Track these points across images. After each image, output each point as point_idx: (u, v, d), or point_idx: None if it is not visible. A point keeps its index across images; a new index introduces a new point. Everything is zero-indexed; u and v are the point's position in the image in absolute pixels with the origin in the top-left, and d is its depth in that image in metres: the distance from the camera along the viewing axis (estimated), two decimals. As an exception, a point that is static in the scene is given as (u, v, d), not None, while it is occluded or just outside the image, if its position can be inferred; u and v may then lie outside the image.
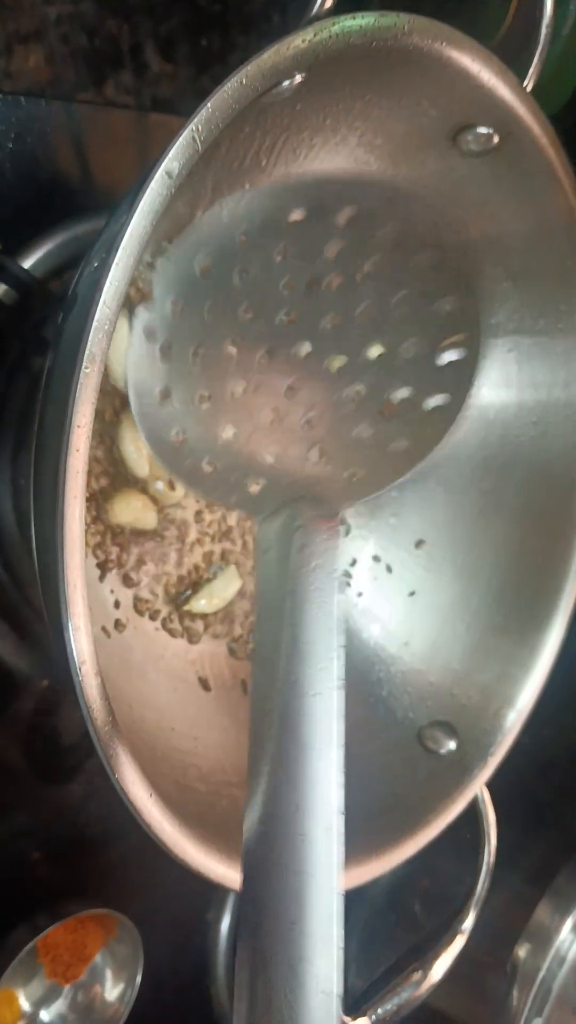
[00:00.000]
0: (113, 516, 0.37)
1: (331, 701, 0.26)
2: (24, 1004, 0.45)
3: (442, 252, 0.31)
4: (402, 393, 0.30)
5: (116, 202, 0.29)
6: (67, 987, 0.46)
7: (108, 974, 0.46)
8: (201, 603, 0.41)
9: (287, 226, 0.31)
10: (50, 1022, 0.45)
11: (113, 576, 0.39)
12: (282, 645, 0.26)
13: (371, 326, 0.30)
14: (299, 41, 0.28)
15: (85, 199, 0.43)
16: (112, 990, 0.46)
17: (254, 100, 0.28)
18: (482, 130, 0.38)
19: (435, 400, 0.30)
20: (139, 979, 0.46)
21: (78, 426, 0.24)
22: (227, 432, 0.29)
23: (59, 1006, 0.46)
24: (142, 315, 0.29)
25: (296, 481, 0.29)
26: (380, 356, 0.30)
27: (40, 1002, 0.45)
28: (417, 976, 0.41)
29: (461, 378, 0.29)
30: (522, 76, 0.38)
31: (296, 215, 0.31)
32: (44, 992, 0.46)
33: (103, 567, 0.38)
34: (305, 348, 0.31)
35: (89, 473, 0.37)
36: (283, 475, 0.29)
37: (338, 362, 0.31)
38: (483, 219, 0.43)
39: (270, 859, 0.25)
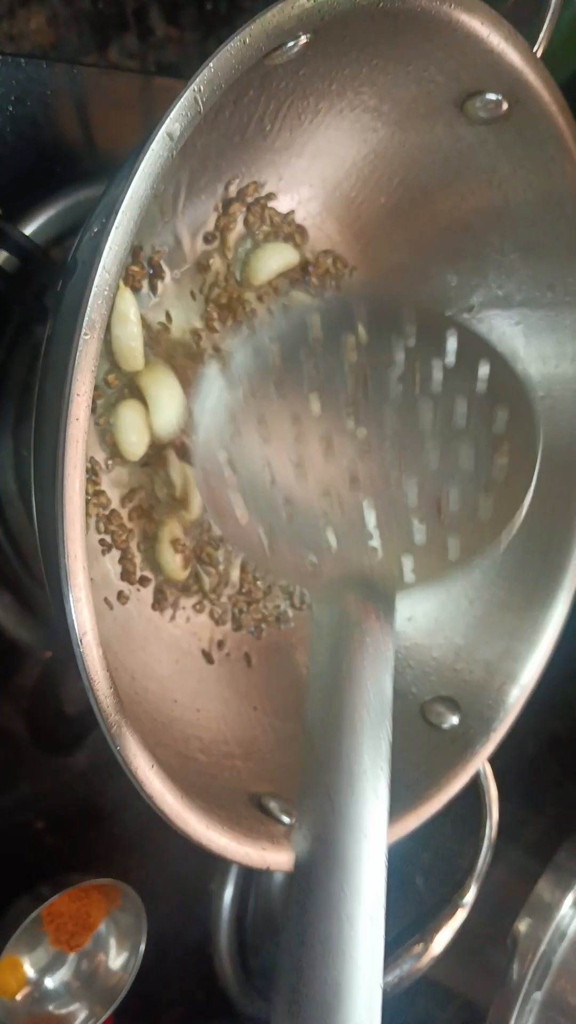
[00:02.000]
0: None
1: (380, 780, 0.27)
2: (29, 971, 0.45)
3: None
4: (455, 498, 0.30)
5: (117, 166, 0.28)
6: (72, 955, 0.46)
7: (112, 942, 0.47)
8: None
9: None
10: (54, 989, 0.46)
11: (115, 550, 0.39)
12: (333, 726, 0.28)
13: (431, 432, 0.30)
14: (304, 0, 0.27)
15: (87, 164, 0.42)
16: (116, 958, 0.47)
17: (258, 61, 0.27)
18: (491, 96, 0.37)
19: (487, 511, 0.29)
20: (143, 948, 0.46)
21: (77, 394, 0.24)
22: (288, 511, 0.29)
23: (63, 973, 0.46)
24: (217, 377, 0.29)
25: (354, 568, 0.29)
26: (439, 460, 0.30)
27: (45, 969, 0.46)
28: (418, 948, 0.41)
29: (515, 492, 0.29)
30: (532, 41, 0.37)
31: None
32: (49, 960, 0.46)
33: (105, 542, 0.38)
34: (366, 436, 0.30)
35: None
36: (342, 560, 0.29)
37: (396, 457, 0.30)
38: (491, 188, 0.42)
39: (313, 939, 0.24)
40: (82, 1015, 0.46)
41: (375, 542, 0.29)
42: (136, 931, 0.46)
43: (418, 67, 0.36)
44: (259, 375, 0.29)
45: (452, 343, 0.30)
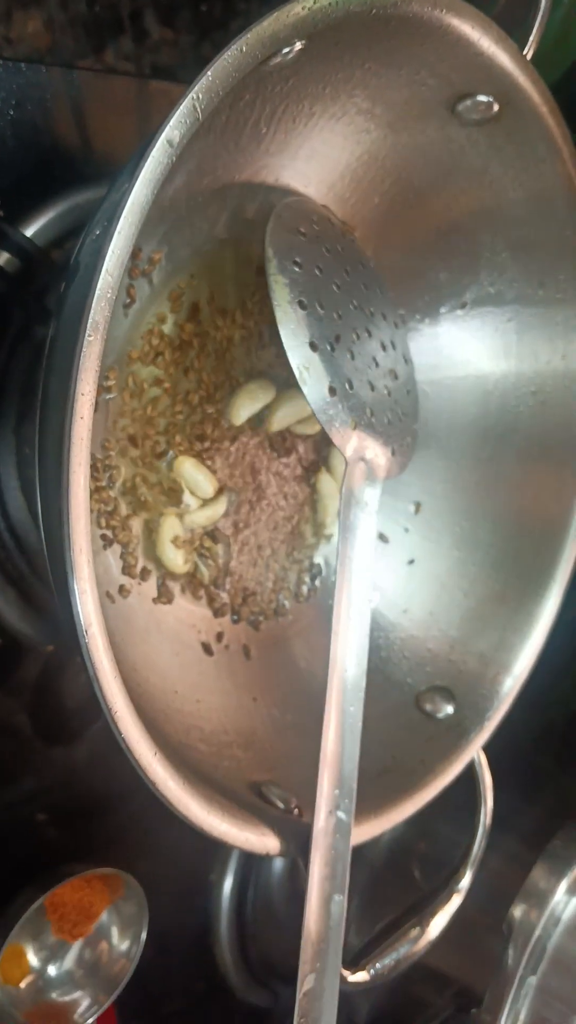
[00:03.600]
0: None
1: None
2: (33, 960, 0.46)
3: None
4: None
5: (117, 171, 0.29)
6: (75, 944, 0.47)
7: (114, 931, 0.48)
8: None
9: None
10: (57, 977, 0.47)
11: (116, 545, 0.39)
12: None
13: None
14: (299, 8, 0.28)
15: (85, 167, 0.43)
16: (118, 946, 0.48)
17: (254, 68, 0.28)
18: (481, 98, 0.38)
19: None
20: (144, 936, 0.47)
21: (82, 394, 0.25)
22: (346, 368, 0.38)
23: (67, 962, 0.47)
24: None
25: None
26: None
27: (48, 958, 0.47)
28: (415, 933, 0.42)
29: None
30: (522, 44, 0.38)
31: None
32: (51, 949, 0.47)
33: (106, 536, 0.39)
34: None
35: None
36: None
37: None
38: (482, 189, 0.43)
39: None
40: (85, 1002, 0.47)
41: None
42: (138, 919, 0.47)
43: (410, 70, 0.37)
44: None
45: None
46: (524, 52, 0.38)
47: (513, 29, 0.38)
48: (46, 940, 0.47)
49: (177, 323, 0.40)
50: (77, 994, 0.47)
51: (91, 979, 0.47)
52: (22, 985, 0.46)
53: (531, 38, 0.38)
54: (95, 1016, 0.47)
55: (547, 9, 0.38)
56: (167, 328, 0.39)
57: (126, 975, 0.47)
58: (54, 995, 0.47)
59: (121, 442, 0.39)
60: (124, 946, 0.48)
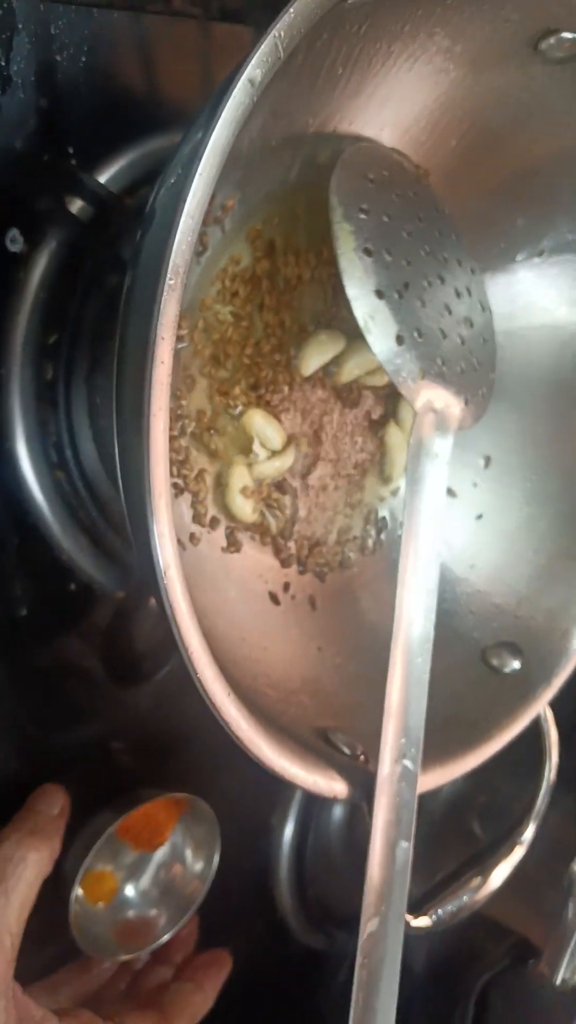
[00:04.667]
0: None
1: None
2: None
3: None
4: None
5: (191, 117, 0.29)
6: (151, 863, 0.49)
7: (187, 853, 0.50)
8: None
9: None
10: (135, 897, 0.49)
11: (187, 494, 0.40)
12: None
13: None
14: None
15: (155, 114, 0.43)
16: (191, 868, 0.50)
17: (335, 5, 0.27)
18: (567, 35, 0.37)
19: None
20: (217, 857, 0.49)
21: (162, 338, 0.25)
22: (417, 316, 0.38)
23: (142, 882, 0.49)
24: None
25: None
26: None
27: (126, 879, 0.49)
28: (476, 882, 0.43)
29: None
30: (612, -25, 0.36)
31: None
32: (129, 869, 0.49)
33: (177, 485, 0.39)
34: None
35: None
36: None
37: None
38: (563, 131, 0.41)
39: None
40: (163, 920, 0.49)
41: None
42: (210, 842, 0.49)
43: (493, 5, 0.35)
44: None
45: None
46: (614, -16, 0.36)
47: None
48: (123, 860, 0.49)
49: (252, 261, 0.40)
50: (153, 912, 0.49)
51: (167, 899, 0.49)
52: (103, 905, 0.48)
53: (621, -31, 0.36)
54: (171, 933, 0.49)
55: None
56: (241, 267, 0.39)
57: (199, 897, 0.49)
58: (132, 913, 0.49)
59: (194, 390, 0.39)
60: (198, 867, 0.50)
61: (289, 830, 0.58)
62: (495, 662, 0.44)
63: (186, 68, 0.46)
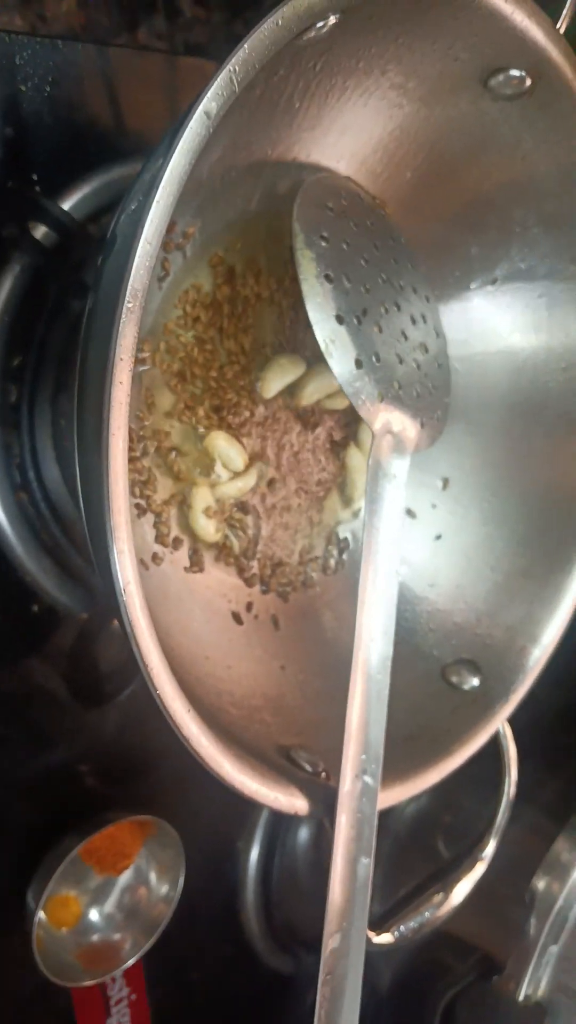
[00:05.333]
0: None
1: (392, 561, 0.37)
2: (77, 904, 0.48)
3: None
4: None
5: (152, 146, 0.30)
6: (116, 888, 0.49)
7: (152, 876, 0.50)
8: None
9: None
10: (99, 921, 0.49)
11: (150, 514, 0.40)
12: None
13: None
14: (334, -18, 0.28)
15: (119, 143, 0.44)
16: (156, 891, 0.50)
17: (290, 41, 0.28)
18: (514, 73, 0.38)
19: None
20: (182, 880, 0.49)
21: (120, 359, 0.25)
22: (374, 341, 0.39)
23: (106, 906, 0.49)
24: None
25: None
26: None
27: (90, 903, 0.49)
28: (439, 898, 0.43)
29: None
30: (556, 17, 0.38)
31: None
32: (94, 893, 0.49)
33: (140, 506, 0.40)
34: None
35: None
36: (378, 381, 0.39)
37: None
38: (515, 163, 0.43)
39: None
40: (127, 944, 0.48)
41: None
42: (175, 865, 0.49)
43: (444, 44, 0.37)
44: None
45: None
46: (558, 26, 0.38)
47: (547, 2, 0.38)
48: (88, 884, 0.49)
49: (213, 288, 0.40)
50: (118, 936, 0.49)
51: (131, 922, 0.49)
52: (67, 929, 0.48)
53: (565, 11, 0.38)
54: (136, 957, 0.49)
55: (582, -18, 0.38)
56: (203, 293, 0.40)
57: (164, 919, 0.49)
58: (96, 938, 0.49)
59: (155, 412, 0.40)
60: (163, 890, 0.50)
61: (255, 852, 0.58)
62: (455, 679, 0.45)
63: (150, 99, 0.47)
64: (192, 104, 0.26)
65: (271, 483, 0.45)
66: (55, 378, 0.41)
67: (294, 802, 0.34)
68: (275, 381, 0.43)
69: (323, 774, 0.37)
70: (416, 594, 0.49)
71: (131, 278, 0.25)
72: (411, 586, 0.49)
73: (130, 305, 0.25)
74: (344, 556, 0.49)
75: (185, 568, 0.41)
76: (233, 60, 0.26)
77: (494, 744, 0.45)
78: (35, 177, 0.40)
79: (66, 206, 0.41)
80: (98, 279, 0.29)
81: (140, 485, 0.39)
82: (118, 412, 0.25)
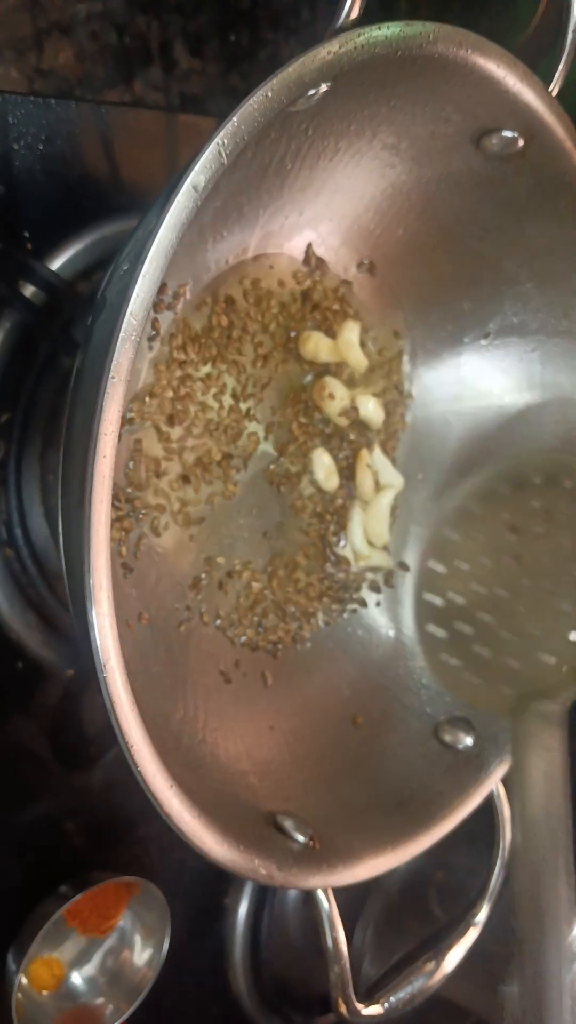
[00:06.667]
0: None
1: None
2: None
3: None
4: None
5: (146, 206, 0.30)
6: (98, 952, 0.48)
7: (136, 940, 0.48)
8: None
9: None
10: (81, 985, 0.47)
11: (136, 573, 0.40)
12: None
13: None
14: (324, 53, 0.28)
15: (114, 199, 0.44)
16: (140, 955, 0.48)
17: (280, 111, 0.28)
18: (507, 134, 0.38)
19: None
20: (167, 944, 0.47)
21: (105, 433, 0.25)
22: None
23: (89, 969, 0.48)
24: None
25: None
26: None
27: (72, 964, 0.47)
28: (430, 966, 0.42)
29: None
30: (548, 79, 0.38)
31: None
32: (76, 956, 0.48)
33: (126, 565, 0.39)
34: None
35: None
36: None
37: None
38: (507, 220, 0.43)
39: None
40: (109, 1009, 0.47)
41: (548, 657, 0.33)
42: (160, 928, 0.48)
43: (435, 107, 0.37)
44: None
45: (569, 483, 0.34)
46: (550, 88, 0.38)
47: (539, 64, 0.38)
48: (70, 946, 0.47)
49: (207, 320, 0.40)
50: (100, 1000, 0.48)
51: (114, 987, 0.48)
52: (48, 993, 0.47)
53: (557, 74, 0.38)
54: (119, 1023, 0.47)
55: (573, 44, 0.39)
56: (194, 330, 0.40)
57: (148, 984, 0.48)
58: (79, 1001, 0.47)
59: (142, 472, 0.39)
60: (147, 953, 0.48)
61: (243, 910, 0.56)
62: (448, 738, 0.44)
63: (147, 156, 0.47)
64: (180, 175, 0.26)
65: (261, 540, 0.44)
66: (43, 434, 0.40)
67: (279, 875, 0.33)
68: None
69: (311, 842, 0.36)
70: (409, 649, 0.48)
71: (116, 352, 0.25)
72: (403, 641, 0.48)
73: (115, 379, 0.25)
74: (334, 612, 0.48)
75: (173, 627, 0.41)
76: (222, 133, 0.26)
77: (488, 802, 0.44)
78: (27, 235, 0.40)
79: (59, 262, 0.41)
80: (86, 341, 0.29)
81: (126, 544, 0.39)
82: (101, 485, 0.25)
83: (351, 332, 0.45)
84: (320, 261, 0.43)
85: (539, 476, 0.36)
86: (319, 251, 0.43)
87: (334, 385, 0.44)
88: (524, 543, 0.35)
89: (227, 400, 0.41)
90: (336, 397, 0.44)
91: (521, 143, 0.39)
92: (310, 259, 0.43)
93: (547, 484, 0.36)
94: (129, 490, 0.38)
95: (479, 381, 0.48)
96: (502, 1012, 0.39)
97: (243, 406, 0.42)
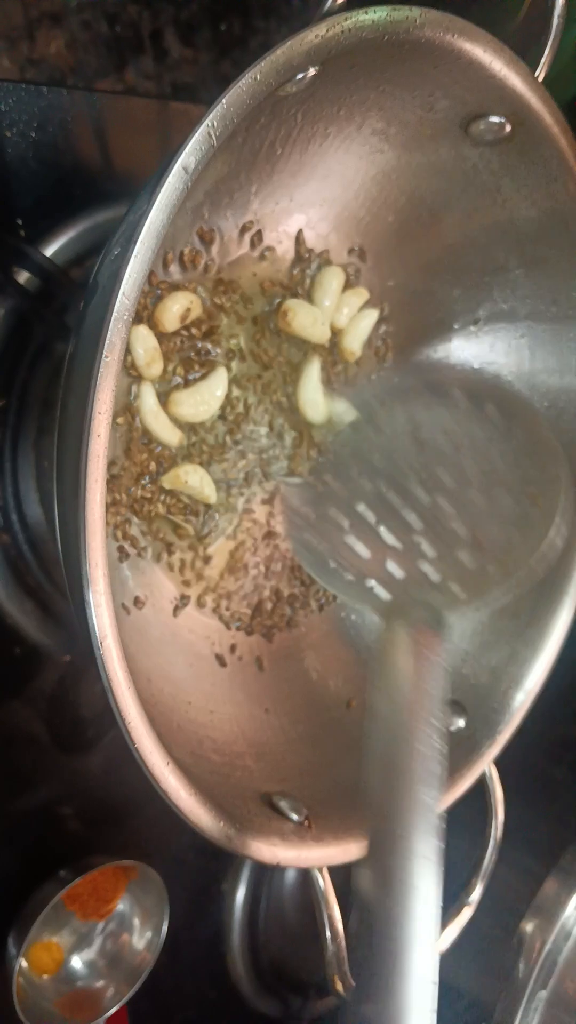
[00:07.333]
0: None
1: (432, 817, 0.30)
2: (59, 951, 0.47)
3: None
4: (493, 534, 0.34)
5: (137, 192, 0.30)
6: (98, 936, 0.48)
7: (135, 923, 0.49)
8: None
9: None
10: (81, 968, 0.48)
11: (132, 558, 0.40)
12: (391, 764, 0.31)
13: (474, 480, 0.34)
14: (312, 37, 0.29)
15: (106, 186, 0.44)
16: (139, 939, 0.49)
17: (269, 94, 0.29)
18: (494, 119, 0.39)
19: (518, 543, 0.34)
20: (165, 927, 0.48)
21: (99, 412, 0.25)
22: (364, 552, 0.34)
23: (88, 953, 0.48)
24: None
25: (412, 590, 0.34)
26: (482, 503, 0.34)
27: (72, 949, 0.48)
28: (424, 945, 0.42)
29: (541, 525, 0.33)
30: (535, 65, 0.38)
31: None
32: (76, 940, 0.48)
33: (122, 549, 0.39)
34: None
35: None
36: (404, 585, 0.34)
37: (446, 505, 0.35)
38: (495, 207, 0.43)
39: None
40: (108, 992, 0.47)
41: (431, 572, 0.33)
42: (158, 911, 0.48)
43: (423, 92, 0.37)
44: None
45: (492, 408, 0.33)
46: (536, 73, 0.38)
47: (526, 50, 0.38)
48: (70, 930, 0.48)
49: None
50: (100, 983, 0.48)
51: (113, 970, 0.48)
52: (48, 976, 0.47)
53: (543, 59, 0.39)
54: (118, 1006, 0.48)
55: (559, 30, 0.39)
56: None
57: (147, 967, 0.48)
58: (79, 985, 0.48)
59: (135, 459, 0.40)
60: (146, 936, 0.49)
61: (241, 894, 0.57)
62: (440, 720, 0.45)
63: (138, 143, 0.47)
64: (170, 158, 0.26)
65: (254, 525, 0.45)
66: (38, 420, 0.41)
67: (275, 852, 0.34)
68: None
69: (306, 822, 0.36)
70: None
71: (109, 331, 0.25)
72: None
73: (108, 358, 0.25)
74: (329, 595, 0.49)
75: (168, 611, 0.41)
76: (211, 116, 0.26)
77: (480, 781, 0.45)
78: (20, 222, 0.40)
79: (52, 249, 0.41)
80: (79, 326, 0.29)
81: (122, 528, 0.39)
82: (95, 465, 0.25)
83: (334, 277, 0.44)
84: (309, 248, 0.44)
85: (464, 393, 0.34)
86: (309, 237, 0.44)
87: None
88: (426, 456, 0.34)
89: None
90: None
91: (508, 128, 0.39)
92: (301, 246, 0.44)
93: (471, 402, 0.34)
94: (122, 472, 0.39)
95: (468, 367, 0.48)
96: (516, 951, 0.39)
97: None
